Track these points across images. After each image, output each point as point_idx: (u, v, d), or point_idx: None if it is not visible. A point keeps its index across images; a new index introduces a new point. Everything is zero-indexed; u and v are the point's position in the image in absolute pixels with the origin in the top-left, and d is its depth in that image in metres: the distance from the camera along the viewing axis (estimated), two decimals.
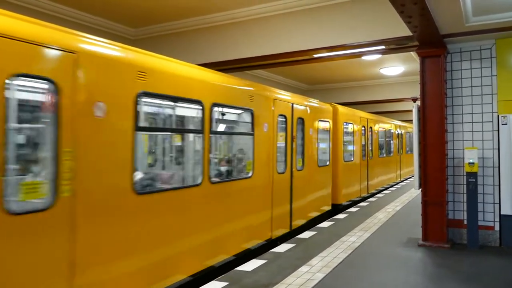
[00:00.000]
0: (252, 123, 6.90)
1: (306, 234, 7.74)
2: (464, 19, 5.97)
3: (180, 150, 6.83)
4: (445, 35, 6.64)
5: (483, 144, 6.99)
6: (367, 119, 14.11)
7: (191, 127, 6.54)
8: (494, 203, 6.89)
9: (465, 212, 6.93)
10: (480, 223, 6.83)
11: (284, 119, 8.05)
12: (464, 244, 6.92)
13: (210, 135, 5.75)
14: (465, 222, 6.94)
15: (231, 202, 6.30)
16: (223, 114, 6.98)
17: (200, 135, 5.69)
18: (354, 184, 12.54)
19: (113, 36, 9.31)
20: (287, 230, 8.08)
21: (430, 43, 6.87)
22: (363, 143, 13.50)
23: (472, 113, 7.08)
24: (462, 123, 7.14)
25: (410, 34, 6.52)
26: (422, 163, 7.09)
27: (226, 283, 5.04)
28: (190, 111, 6.26)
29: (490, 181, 6.93)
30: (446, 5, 5.42)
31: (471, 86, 7.10)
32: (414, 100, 15.92)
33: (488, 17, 6.05)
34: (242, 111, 7.08)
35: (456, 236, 7.09)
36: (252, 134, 6.90)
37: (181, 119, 6.54)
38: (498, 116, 6.88)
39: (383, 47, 8.09)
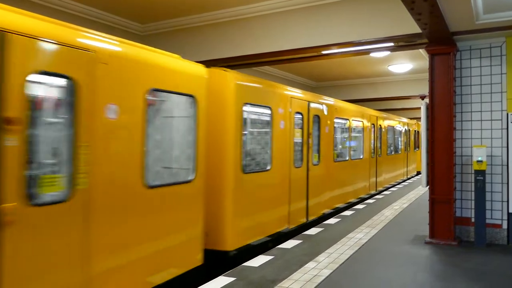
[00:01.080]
0: None
1: (313, 231, 7.76)
2: (474, 17, 5.94)
3: None
4: (454, 32, 6.61)
5: (492, 142, 6.95)
6: (308, 102, 8.79)
7: None
8: (502, 201, 6.87)
9: (473, 210, 6.91)
10: (487, 221, 6.81)
11: None
12: (471, 242, 6.91)
13: None
14: (473, 220, 6.92)
15: None
16: None
17: None
18: (271, 208, 7.39)
19: (122, 32, 9.37)
20: None
21: (440, 40, 6.83)
22: (299, 140, 8.43)
23: (481, 111, 7.04)
24: (471, 121, 7.11)
25: (419, 31, 6.50)
26: (430, 161, 7.08)
27: (233, 279, 5.08)
28: None
29: (499, 179, 6.90)
30: (456, 3, 5.39)
31: (481, 84, 7.06)
32: (422, 97, 15.96)
33: (499, 15, 6.01)
34: None
35: (463, 234, 7.08)
36: None
37: None
38: (507, 114, 6.84)
39: (391, 44, 8.05)
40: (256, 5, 8.35)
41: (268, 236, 7.28)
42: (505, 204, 6.84)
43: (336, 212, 10.24)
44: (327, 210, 9.92)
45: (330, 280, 5.06)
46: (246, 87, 6.84)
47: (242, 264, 5.69)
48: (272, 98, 7.56)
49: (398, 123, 17.69)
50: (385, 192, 13.79)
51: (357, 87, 17.52)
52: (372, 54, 10.90)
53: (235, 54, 8.92)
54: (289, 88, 8.61)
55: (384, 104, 21.32)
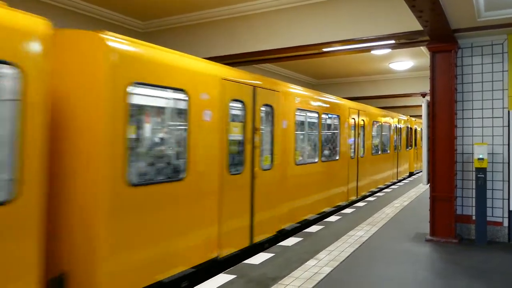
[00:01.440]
0: None
1: (314, 228, 7.76)
2: (476, 14, 5.91)
3: None
4: (456, 30, 6.59)
5: (493, 139, 6.94)
6: (254, 87, 6.61)
7: None
8: (503, 199, 6.86)
9: (474, 208, 6.91)
10: (488, 218, 6.81)
11: None
12: (472, 240, 6.90)
13: None
14: (474, 217, 6.91)
15: None
16: None
17: None
18: (187, 233, 5.20)
19: (122, 29, 9.36)
20: None
21: (441, 38, 6.81)
22: (238, 138, 6.30)
23: (482, 109, 7.03)
24: (472, 118, 7.10)
25: (421, 28, 6.48)
26: (431, 159, 7.07)
27: (234, 276, 5.09)
28: None
29: (500, 176, 6.89)
30: (457, 0, 5.38)
31: (482, 82, 7.04)
32: (424, 95, 15.93)
33: (500, 12, 5.99)
34: None
35: (464, 231, 7.08)
36: None
37: None
38: (508, 111, 6.83)
39: (393, 41, 8.04)
40: (256, 2, 8.34)
41: (183, 272, 5.14)
42: (506, 201, 6.84)
43: (304, 225, 8.25)
44: (290, 225, 7.85)
45: (331, 277, 5.06)
46: (138, 60, 4.57)
47: (242, 262, 5.70)
48: (189, 78, 5.29)
49: (386, 119, 15.36)
50: (385, 190, 13.77)
51: (358, 84, 17.52)
52: (373, 52, 10.89)
53: (236, 52, 8.92)
54: (221, 66, 6.21)
55: (385, 102, 21.32)
